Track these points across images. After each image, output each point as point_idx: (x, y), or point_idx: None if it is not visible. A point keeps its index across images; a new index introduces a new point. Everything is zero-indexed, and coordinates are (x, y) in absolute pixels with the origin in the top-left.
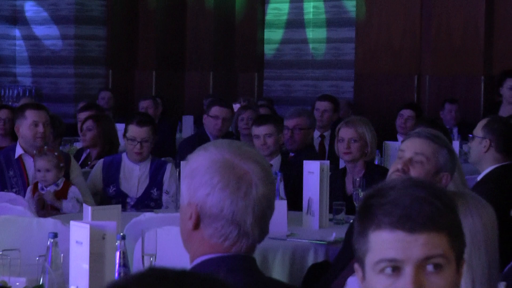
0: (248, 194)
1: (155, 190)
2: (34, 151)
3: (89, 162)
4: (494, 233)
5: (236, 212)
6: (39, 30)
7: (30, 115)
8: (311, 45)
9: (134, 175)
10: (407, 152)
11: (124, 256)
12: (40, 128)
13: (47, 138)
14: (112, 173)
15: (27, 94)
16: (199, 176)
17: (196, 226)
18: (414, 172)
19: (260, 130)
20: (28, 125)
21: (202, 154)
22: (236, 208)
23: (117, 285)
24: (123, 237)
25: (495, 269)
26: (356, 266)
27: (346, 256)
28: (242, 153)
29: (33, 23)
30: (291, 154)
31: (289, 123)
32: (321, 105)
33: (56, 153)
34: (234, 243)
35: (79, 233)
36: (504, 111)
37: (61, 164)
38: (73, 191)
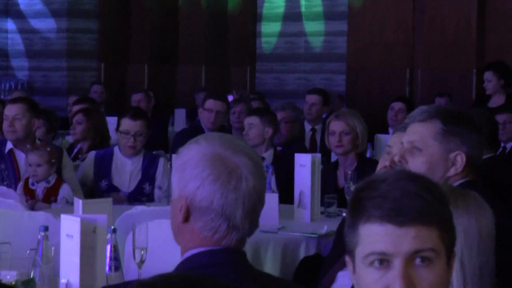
0: (238, 187)
1: (147, 185)
2: (28, 146)
3: (80, 156)
4: (490, 238)
5: (226, 205)
6: (31, 23)
7: (4, 110)
8: (303, 38)
9: (126, 170)
10: (394, 148)
11: (115, 249)
12: (6, 122)
13: (20, 132)
14: (104, 167)
15: (19, 88)
16: (190, 169)
17: (186, 219)
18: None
19: (246, 121)
20: (3, 119)
21: (193, 147)
22: (226, 201)
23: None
24: (114, 231)
25: (488, 272)
26: (347, 258)
27: (336, 252)
28: (233, 146)
29: (25, 16)
30: (279, 148)
31: None
32: (310, 98)
33: (48, 149)
34: (224, 236)
35: (70, 227)
36: (491, 103)
37: (53, 160)
38: (64, 189)
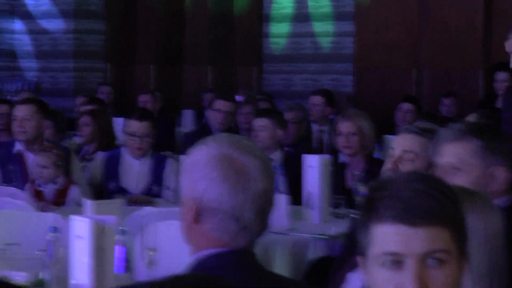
0: (247, 188)
1: (155, 185)
2: (35, 146)
3: (87, 157)
4: (498, 238)
5: (235, 206)
6: (38, 24)
7: (14, 111)
8: (310, 39)
9: (134, 171)
10: (396, 150)
11: (125, 250)
12: (16, 123)
13: (30, 133)
14: (112, 168)
15: (27, 88)
16: (198, 170)
17: (196, 220)
18: (404, 170)
19: (255, 123)
20: (12, 120)
21: (201, 148)
22: (235, 202)
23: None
24: (124, 232)
25: (498, 274)
26: (359, 259)
27: (347, 253)
28: (241, 147)
29: (32, 17)
30: (286, 148)
31: None
32: (312, 99)
33: (55, 151)
34: (233, 238)
35: (79, 228)
36: (499, 103)
37: (59, 163)
38: (73, 191)
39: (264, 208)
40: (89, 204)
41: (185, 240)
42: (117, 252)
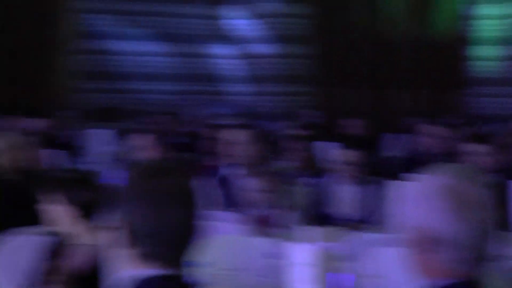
0: (474, 218)
1: (367, 211)
2: (251, 171)
3: (293, 182)
4: None
5: (462, 236)
6: (247, 49)
7: (231, 135)
8: None
9: (346, 197)
10: None
11: (346, 277)
12: (232, 148)
13: (246, 157)
14: (322, 194)
15: (236, 112)
16: (427, 200)
17: (423, 249)
18: None
19: (470, 148)
20: (226, 144)
21: (427, 178)
22: (462, 233)
23: None
24: (345, 258)
25: None
26: None
27: None
28: (467, 177)
29: (243, 42)
30: (493, 173)
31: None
32: None
33: (273, 175)
34: (461, 267)
35: (303, 254)
36: None
37: (276, 187)
38: (285, 216)
39: (487, 236)
40: (310, 231)
41: (411, 267)
42: (344, 279)
